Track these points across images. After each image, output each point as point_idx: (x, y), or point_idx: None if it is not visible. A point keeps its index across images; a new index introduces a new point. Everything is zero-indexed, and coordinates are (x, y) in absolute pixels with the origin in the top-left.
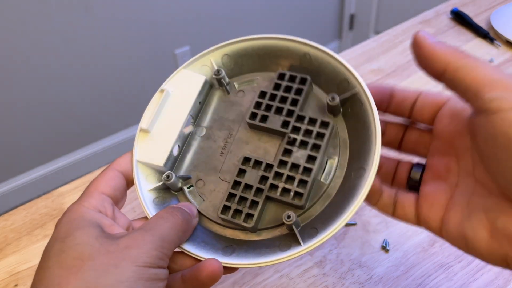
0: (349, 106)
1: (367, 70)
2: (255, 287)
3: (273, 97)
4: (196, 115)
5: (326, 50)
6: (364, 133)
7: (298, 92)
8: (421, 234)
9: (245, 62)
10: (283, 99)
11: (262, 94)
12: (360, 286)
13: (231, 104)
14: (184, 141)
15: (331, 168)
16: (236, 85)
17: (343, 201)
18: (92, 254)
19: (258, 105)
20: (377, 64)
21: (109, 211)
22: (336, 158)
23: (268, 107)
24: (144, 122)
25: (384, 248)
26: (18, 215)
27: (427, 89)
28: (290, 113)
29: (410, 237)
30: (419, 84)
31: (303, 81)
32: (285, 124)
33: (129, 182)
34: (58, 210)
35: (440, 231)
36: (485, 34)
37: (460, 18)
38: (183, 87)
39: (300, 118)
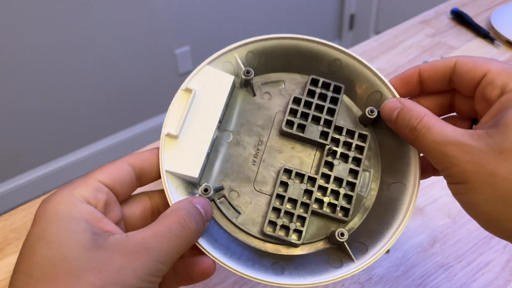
0: (380, 117)
1: None
2: (256, 286)
3: (308, 104)
4: (222, 118)
5: (358, 57)
6: (399, 147)
7: (333, 100)
8: (422, 234)
9: (270, 61)
10: (319, 107)
11: (296, 101)
12: (360, 286)
13: (257, 107)
14: (211, 147)
15: (366, 180)
16: (260, 85)
17: (385, 215)
18: (80, 270)
19: (292, 112)
20: (377, 64)
21: (100, 204)
22: (371, 171)
23: (304, 115)
24: (171, 127)
25: None
26: (18, 215)
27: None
28: (327, 122)
29: (410, 237)
30: None
31: (337, 89)
32: (322, 134)
33: (140, 180)
34: None
35: None
36: (485, 34)
37: (460, 18)
38: (210, 86)
39: (338, 129)
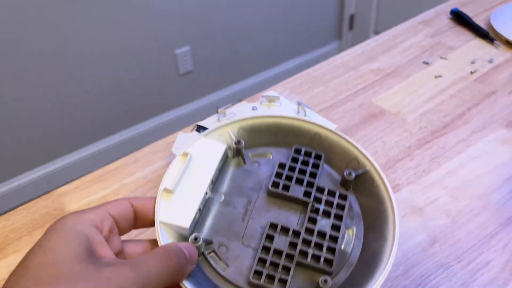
0: (359, 182)
1: (367, 70)
2: None
3: (291, 169)
4: (214, 181)
5: (336, 131)
6: (378, 207)
7: (315, 166)
8: (421, 234)
9: (258, 137)
10: (302, 171)
11: (281, 166)
12: None
13: (247, 173)
14: (204, 205)
15: (350, 238)
16: (251, 156)
17: (368, 269)
18: (70, 278)
19: (278, 175)
20: (377, 64)
21: (105, 228)
22: (354, 229)
23: (288, 178)
24: (168, 183)
25: None
26: (18, 215)
27: (427, 90)
28: (309, 184)
29: (410, 237)
30: (418, 84)
31: (318, 156)
32: (306, 194)
33: (138, 220)
34: (58, 210)
35: None
36: (485, 34)
37: (460, 18)
38: (204, 153)
39: (320, 190)
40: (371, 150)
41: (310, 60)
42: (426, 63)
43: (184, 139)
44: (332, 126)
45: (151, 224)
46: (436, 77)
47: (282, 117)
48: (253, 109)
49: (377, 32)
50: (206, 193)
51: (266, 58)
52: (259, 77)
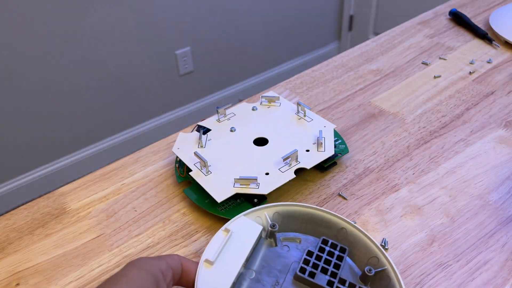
0: (377, 278)
1: (366, 70)
2: None
3: (318, 257)
4: (248, 258)
5: (360, 228)
6: None
7: (339, 258)
8: (420, 234)
9: (290, 222)
10: (327, 261)
11: (310, 253)
12: None
13: (278, 255)
14: (237, 279)
15: None
16: (281, 239)
17: None
18: None
19: (306, 261)
20: (376, 65)
21: (168, 277)
22: None
23: (315, 266)
24: (210, 255)
25: (383, 247)
26: (19, 215)
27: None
28: (333, 274)
29: (408, 236)
30: (418, 84)
31: (342, 249)
32: (329, 283)
33: (182, 278)
34: (59, 209)
35: None
36: (484, 35)
37: (458, 18)
38: (243, 231)
39: (341, 281)
40: (370, 150)
41: (309, 60)
42: (425, 63)
43: (185, 139)
44: (331, 126)
45: (191, 286)
46: (435, 77)
47: (315, 208)
48: (253, 109)
49: (376, 33)
50: (241, 269)
51: (266, 59)
52: (259, 78)
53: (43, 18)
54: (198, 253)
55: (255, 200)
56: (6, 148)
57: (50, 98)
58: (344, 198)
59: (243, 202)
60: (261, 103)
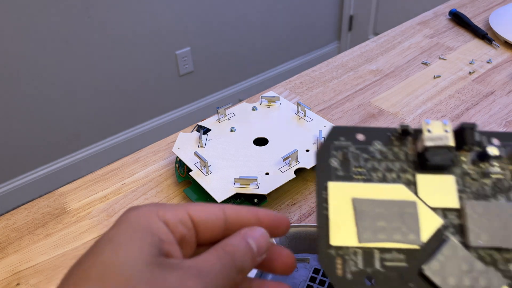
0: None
1: (366, 70)
2: None
3: (325, 275)
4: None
5: None
6: None
7: None
8: None
9: (299, 244)
10: None
11: (316, 271)
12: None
13: (286, 276)
14: None
15: None
16: None
17: None
18: (133, 283)
19: (312, 279)
20: (376, 65)
21: (177, 234)
22: None
23: (321, 283)
24: None
25: None
26: (19, 215)
27: (426, 90)
28: None
29: None
30: (417, 84)
31: None
32: None
33: (225, 233)
34: (59, 209)
35: None
36: (484, 35)
37: (458, 18)
38: None
39: None
40: None
41: (309, 60)
42: (425, 63)
43: (185, 139)
44: (331, 126)
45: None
46: (435, 77)
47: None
48: (253, 109)
49: (376, 33)
50: None
51: (266, 59)
52: (259, 78)
53: (43, 18)
54: None
55: (255, 200)
56: (6, 148)
57: (50, 98)
58: None
59: (243, 202)
60: (261, 103)
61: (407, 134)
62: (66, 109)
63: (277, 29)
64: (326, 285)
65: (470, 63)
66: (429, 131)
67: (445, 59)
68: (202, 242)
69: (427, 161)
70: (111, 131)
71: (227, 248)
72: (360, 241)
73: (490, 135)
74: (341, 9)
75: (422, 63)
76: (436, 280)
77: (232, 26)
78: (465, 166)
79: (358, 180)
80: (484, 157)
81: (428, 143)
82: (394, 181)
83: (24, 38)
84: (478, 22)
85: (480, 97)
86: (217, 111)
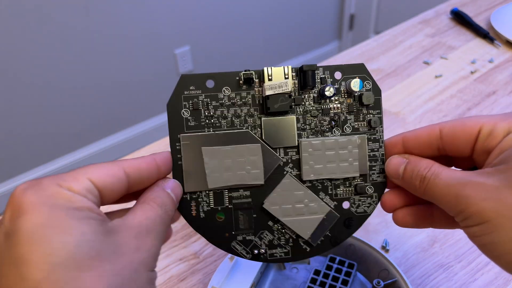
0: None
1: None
2: None
3: (326, 275)
4: (256, 283)
5: (368, 243)
6: None
7: (347, 274)
8: (421, 234)
9: None
10: (335, 279)
11: (317, 272)
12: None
13: (286, 278)
14: None
15: None
16: (291, 262)
17: None
18: (103, 257)
19: (313, 281)
20: (377, 64)
21: (92, 199)
22: None
23: (322, 284)
24: (216, 281)
25: (384, 248)
26: None
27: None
28: None
29: (410, 237)
30: (418, 84)
31: (351, 265)
32: None
33: (128, 189)
34: None
35: None
36: (485, 34)
37: (460, 18)
38: None
39: None
40: None
41: (310, 59)
42: (426, 63)
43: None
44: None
45: (146, 187)
46: (436, 77)
47: None
48: None
49: (377, 32)
50: None
51: (266, 58)
52: None
53: (42, 17)
54: (198, 254)
55: None
56: (6, 148)
57: (49, 98)
58: None
59: None
60: None
61: (251, 82)
62: (64, 108)
63: (277, 28)
64: (327, 286)
65: (472, 63)
66: (270, 78)
67: (446, 59)
68: (104, 204)
69: (268, 109)
70: (110, 130)
71: (157, 200)
72: (209, 186)
73: (334, 69)
74: (342, 7)
75: (424, 63)
76: (274, 212)
77: (232, 25)
78: (308, 105)
79: (208, 128)
80: (323, 96)
81: (268, 92)
82: (241, 126)
83: (22, 37)
84: (479, 21)
85: (482, 96)
86: None
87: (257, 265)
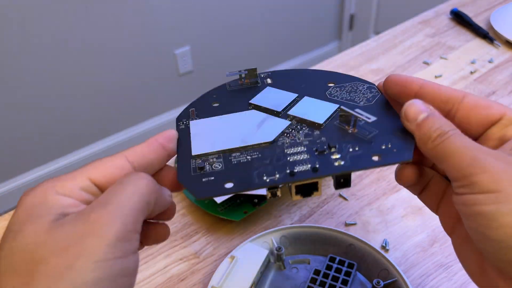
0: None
1: (367, 70)
2: None
3: (326, 275)
4: (256, 283)
5: (368, 242)
6: None
7: (347, 274)
8: (421, 234)
9: (299, 244)
10: (335, 278)
11: (316, 272)
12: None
13: (286, 278)
14: None
15: None
16: (290, 262)
17: None
18: (44, 255)
19: (313, 280)
20: (377, 64)
21: (83, 200)
22: None
23: (322, 284)
24: (215, 281)
25: (384, 248)
26: None
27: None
28: None
29: (409, 237)
30: None
31: (350, 265)
32: None
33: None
34: None
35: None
36: (485, 34)
37: (459, 18)
38: (249, 257)
39: None
40: None
41: (310, 60)
42: (426, 63)
43: None
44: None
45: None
46: (436, 77)
47: (321, 228)
48: None
49: (377, 32)
50: None
51: (266, 58)
52: None
53: (42, 17)
54: (198, 253)
55: (255, 200)
56: (6, 148)
57: (49, 98)
58: (345, 199)
59: (243, 202)
60: None
61: (275, 195)
62: (64, 108)
63: (277, 28)
64: (326, 286)
65: (472, 63)
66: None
67: (446, 59)
68: None
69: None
70: (110, 130)
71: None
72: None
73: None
74: (341, 8)
75: (424, 63)
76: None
77: (232, 25)
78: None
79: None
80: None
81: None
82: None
83: (21, 37)
84: (479, 21)
85: (482, 96)
86: None
87: (257, 264)
